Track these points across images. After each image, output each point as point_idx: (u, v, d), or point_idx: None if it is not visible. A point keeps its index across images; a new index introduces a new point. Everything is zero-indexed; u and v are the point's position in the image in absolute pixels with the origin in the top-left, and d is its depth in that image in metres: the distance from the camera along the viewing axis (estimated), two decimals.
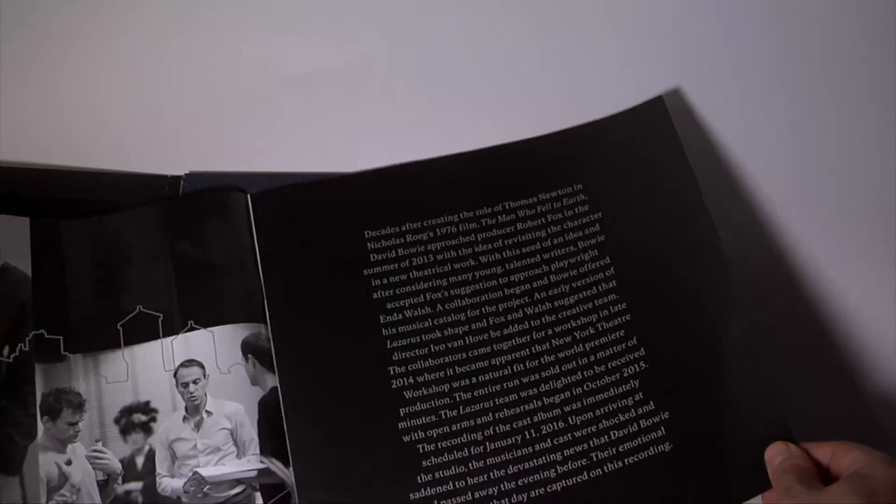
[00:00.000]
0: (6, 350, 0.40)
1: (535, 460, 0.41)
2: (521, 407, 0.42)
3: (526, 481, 0.41)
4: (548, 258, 0.45)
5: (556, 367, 0.43)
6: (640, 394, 0.43)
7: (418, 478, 0.41)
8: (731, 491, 0.42)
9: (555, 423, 0.42)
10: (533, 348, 0.43)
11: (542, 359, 0.43)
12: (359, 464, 0.41)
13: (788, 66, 0.51)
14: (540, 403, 0.42)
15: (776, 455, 0.41)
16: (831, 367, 0.49)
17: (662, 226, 0.47)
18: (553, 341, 0.43)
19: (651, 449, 0.42)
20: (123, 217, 0.45)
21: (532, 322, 0.44)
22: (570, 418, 0.42)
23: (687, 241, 0.46)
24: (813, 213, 0.50)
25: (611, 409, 0.42)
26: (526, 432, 0.42)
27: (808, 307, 0.49)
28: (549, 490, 0.41)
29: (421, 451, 0.41)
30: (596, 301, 0.44)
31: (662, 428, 0.42)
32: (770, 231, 0.50)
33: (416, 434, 0.41)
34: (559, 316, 0.44)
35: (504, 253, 0.45)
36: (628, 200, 0.47)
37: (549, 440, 0.42)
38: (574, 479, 0.41)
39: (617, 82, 0.51)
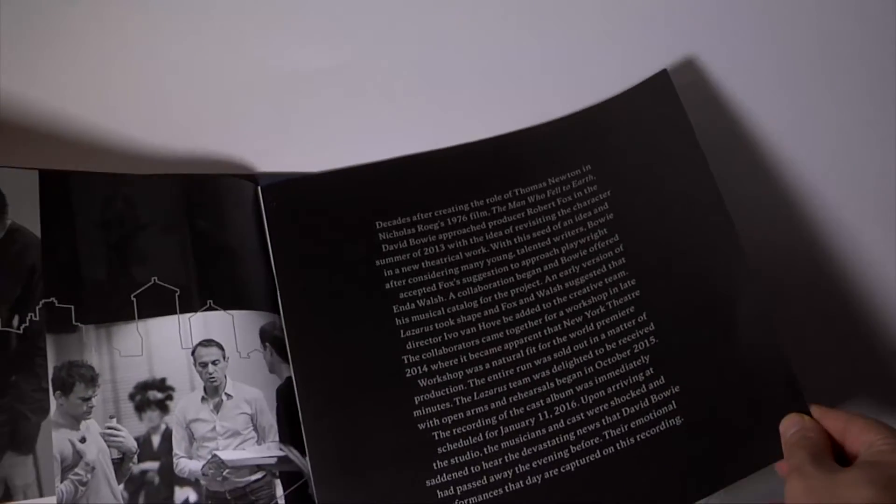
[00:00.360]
0: (16, 320, 0.39)
1: (548, 441, 0.42)
2: (535, 389, 0.43)
3: (540, 463, 0.41)
4: (558, 241, 0.46)
5: (568, 347, 0.44)
6: (651, 369, 0.44)
7: (434, 464, 0.41)
8: (740, 461, 0.42)
9: (567, 404, 0.43)
10: (545, 331, 0.44)
11: (553, 340, 0.44)
12: (375, 453, 0.41)
13: (806, 30, 0.52)
14: (553, 385, 0.43)
15: (789, 427, 0.41)
16: (846, 334, 0.50)
17: (669, 200, 0.47)
18: (564, 322, 0.44)
19: (663, 424, 0.43)
20: (137, 179, 0.43)
21: (544, 305, 0.44)
22: (582, 398, 0.43)
23: (693, 215, 0.47)
24: (830, 182, 0.51)
25: (622, 385, 0.43)
26: (539, 414, 0.42)
27: (825, 280, 0.50)
28: (563, 470, 0.41)
29: (436, 438, 0.42)
30: (606, 279, 0.45)
31: (673, 402, 0.43)
32: (786, 202, 0.51)
33: (431, 421, 0.42)
34: (570, 297, 0.45)
35: (515, 239, 0.46)
36: (635, 177, 0.48)
37: (562, 421, 0.42)
38: (587, 458, 0.42)
39: (627, 55, 0.51)
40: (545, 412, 0.42)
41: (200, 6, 0.48)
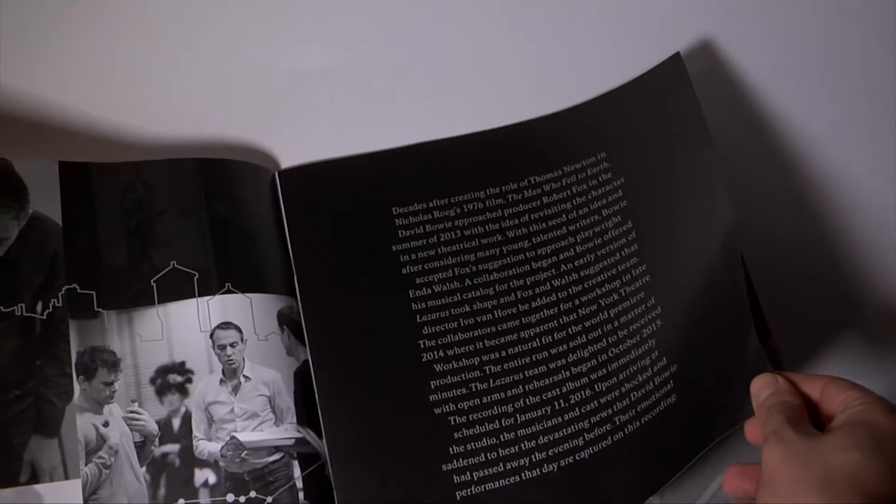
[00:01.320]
0: (39, 306, 0.39)
1: (564, 430, 0.43)
2: (551, 378, 0.43)
3: (556, 451, 0.42)
4: (573, 229, 0.46)
5: (583, 336, 0.44)
6: (656, 352, 0.45)
7: (450, 449, 0.42)
8: (720, 423, 0.44)
9: (582, 392, 0.43)
10: (560, 319, 0.44)
11: (569, 329, 0.44)
12: (391, 437, 0.42)
13: (826, 12, 0.51)
14: (568, 374, 0.43)
15: (762, 388, 0.39)
16: (848, 326, 0.51)
17: (677, 185, 0.48)
18: (580, 311, 0.45)
19: (662, 404, 0.44)
20: (156, 165, 0.43)
21: (559, 294, 0.45)
22: (596, 385, 0.43)
23: (698, 199, 0.47)
24: (848, 172, 0.51)
25: (631, 371, 0.44)
26: (555, 403, 0.43)
27: (831, 271, 0.50)
28: (577, 458, 0.42)
29: (452, 423, 0.42)
30: (619, 267, 0.46)
31: (671, 381, 0.44)
32: (800, 191, 0.51)
33: (447, 406, 0.42)
34: (585, 286, 0.45)
35: (531, 227, 0.46)
36: (647, 163, 0.48)
37: (577, 409, 0.43)
38: (600, 445, 0.43)
39: (641, 39, 0.51)
40: (561, 401, 0.43)
41: (205, 4, 0.48)
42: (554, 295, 0.45)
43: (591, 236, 0.46)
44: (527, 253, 0.45)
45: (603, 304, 0.45)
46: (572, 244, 0.46)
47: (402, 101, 0.49)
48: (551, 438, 0.42)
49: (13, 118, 0.45)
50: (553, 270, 0.45)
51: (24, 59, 0.46)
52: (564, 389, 0.43)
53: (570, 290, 0.45)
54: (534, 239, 0.46)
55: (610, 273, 0.46)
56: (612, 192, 0.47)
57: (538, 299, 0.45)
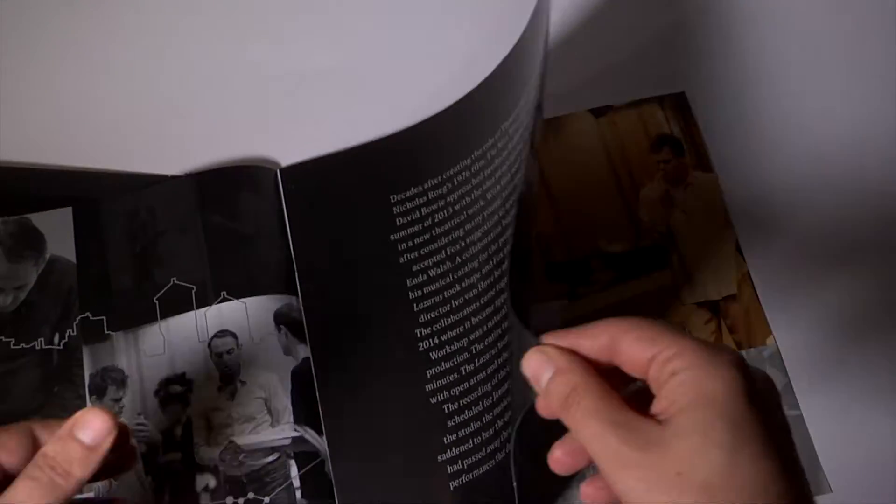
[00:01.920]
0: (56, 337, 0.43)
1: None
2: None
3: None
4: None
5: None
6: None
7: (444, 439, 0.40)
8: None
9: None
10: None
11: None
12: (391, 432, 0.41)
13: None
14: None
15: (538, 370, 0.29)
16: None
17: None
18: None
19: None
20: (158, 190, 0.46)
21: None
22: None
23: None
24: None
25: None
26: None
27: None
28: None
29: (446, 411, 0.40)
30: None
31: None
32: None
33: (441, 395, 0.41)
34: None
35: (501, 182, 0.41)
36: None
37: None
38: None
39: None
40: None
41: (205, 4, 0.50)
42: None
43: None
44: (499, 212, 0.41)
45: None
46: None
47: (402, 100, 0.48)
48: (514, 413, 0.39)
49: (16, 122, 0.48)
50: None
51: (23, 60, 0.49)
52: None
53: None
54: (503, 193, 0.41)
55: None
56: None
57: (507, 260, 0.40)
